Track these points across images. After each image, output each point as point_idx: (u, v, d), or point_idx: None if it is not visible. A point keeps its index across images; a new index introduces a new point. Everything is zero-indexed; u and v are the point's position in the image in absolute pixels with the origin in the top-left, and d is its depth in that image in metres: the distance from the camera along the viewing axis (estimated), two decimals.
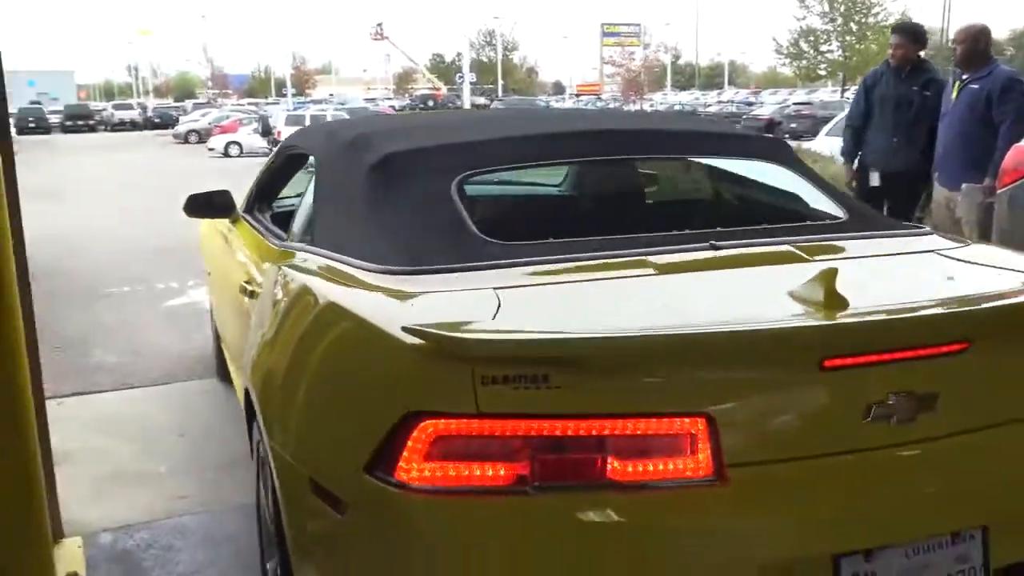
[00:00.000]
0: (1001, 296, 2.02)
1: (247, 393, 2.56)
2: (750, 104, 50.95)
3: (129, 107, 68.07)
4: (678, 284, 2.20)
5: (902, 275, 2.36)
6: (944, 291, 2.26)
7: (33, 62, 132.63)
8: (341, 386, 1.96)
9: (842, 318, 1.79)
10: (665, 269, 2.21)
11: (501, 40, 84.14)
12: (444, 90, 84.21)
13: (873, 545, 1.79)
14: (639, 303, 2.06)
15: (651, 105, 54.49)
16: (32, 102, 76.83)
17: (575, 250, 2.29)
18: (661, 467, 1.69)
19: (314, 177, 2.93)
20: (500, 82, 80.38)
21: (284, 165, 3.58)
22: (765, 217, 2.63)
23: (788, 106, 39.26)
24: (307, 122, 33.87)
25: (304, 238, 2.78)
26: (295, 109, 47.84)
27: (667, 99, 62.31)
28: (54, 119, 62.20)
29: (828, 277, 1.83)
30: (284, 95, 67.75)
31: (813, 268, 1.93)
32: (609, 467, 1.67)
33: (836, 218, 2.73)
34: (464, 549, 1.70)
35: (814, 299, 1.83)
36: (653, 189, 3.53)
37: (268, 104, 65.28)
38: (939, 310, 1.98)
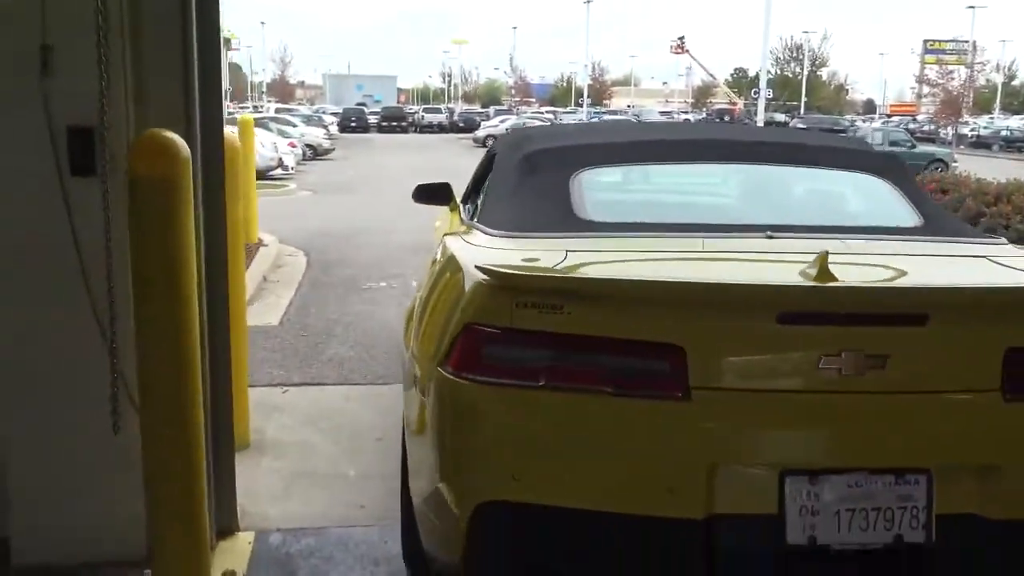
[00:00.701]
0: (976, 287, 2.43)
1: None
2: None
3: (438, 111, 72.58)
4: (708, 258, 2.74)
5: (919, 269, 2.77)
6: (940, 281, 2.64)
7: (363, 67, 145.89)
8: (440, 308, 2.67)
9: (802, 284, 2.22)
10: (708, 248, 2.78)
11: (809, 54, 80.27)
12: (740, 105, 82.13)
13: (816, 468, 2.18)
14: (663, 268, 2.74)
15: (972, 129, 49.57)
16: (358, 103, 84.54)
17: (646, 230, 2.92)
18: (641, 381, 2.21)
19: (492, 171, 3.60)
20: (804, 99, 76.95)
21: (488, 161, 3.99)
22: (838, 218, 3.25)
23: None
24: None
25: (477, 217, 3.38)
26: (591, 119, 48.80)
27: (993, 123, 56.53)
28: (372, 119, 67.85)
29: (823, 258, 2.21)
30: (582, 104, 69.24)
31: (841, 254, 2.38)
32: (600, 375, 2.20)
33: (911, 226, 3.07)
34: (484, 421, 2.30)
35: (807, 273, 2.24)
36: (744, 189, 3.83)
37: (565, 113, 67.15)
38: (901, 288, 2.46)
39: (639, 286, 2.31)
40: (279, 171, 25.71)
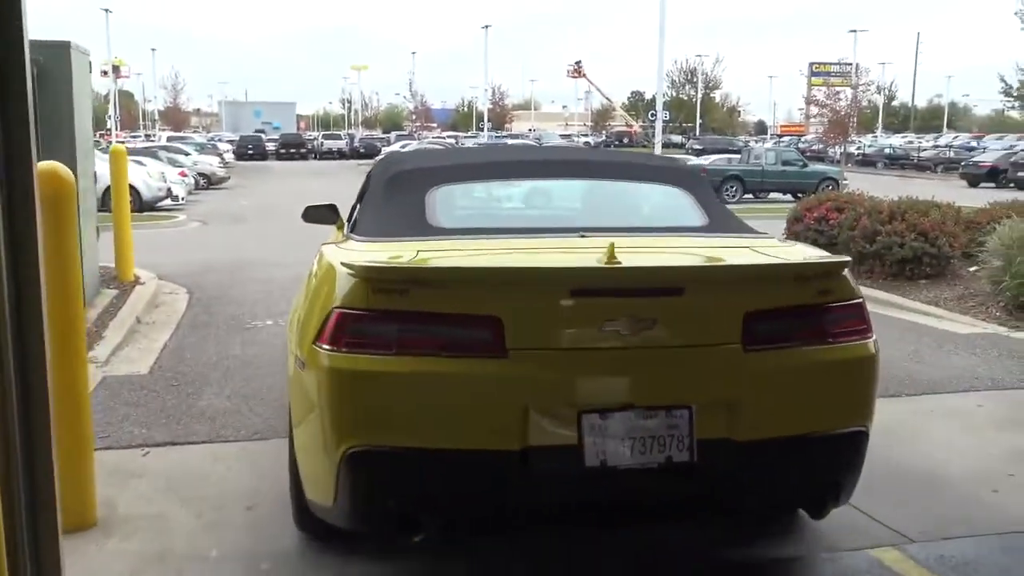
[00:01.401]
0: (716, 266, 3.28)
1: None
2: (971, 149, 47.00)
3: (338, 137, 71.53)
4: (526, 251, 3.36)
5: (688, 253, 3.48)
6: (692, 262, 3.37)
7: (261, 94, 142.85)
8: (314, 300, 3.18)
9: (589, 266, 2.96)
10: (531, 245, 3.43)
11: (702, 77, 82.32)
12: (638, 127, 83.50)
13: (605, 407, 2.85)
14: (487, 258, 3.26)
15: (857, 148, 51.38)
16: (256, 130, 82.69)
17: (484, 233, 3.60)
18: (468, 345, 2.84)
19: (366, 190, 4.20)
20: (699, 121, 78.73)
21: (366, 182, 4.41)
22: (638, 220, 4.05)
23: (1016, 152, 35.69)
24: None
25: (351, 229, 4.00)
26: (492, 142, 48.69)
27: (877, 141, 58.76)
28: (270, 146, 66.36)
29: (611, 247, 2.89)
30: (483, 129, 69.26)
31: (623, 244, 3.01)
32: (438, 341, 2.83)
33: (697, 225, 3.80)
34: (349, 383, 2.84)
35: (599, 259, 2.91)
36: (567, 200, 4.70)
37: (467, 137, 67.06)
38: (661, 268, 3.16)
39: (463, 272, 3.04)
40: (168, 201, 24.67)
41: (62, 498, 3.45)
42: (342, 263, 2.98)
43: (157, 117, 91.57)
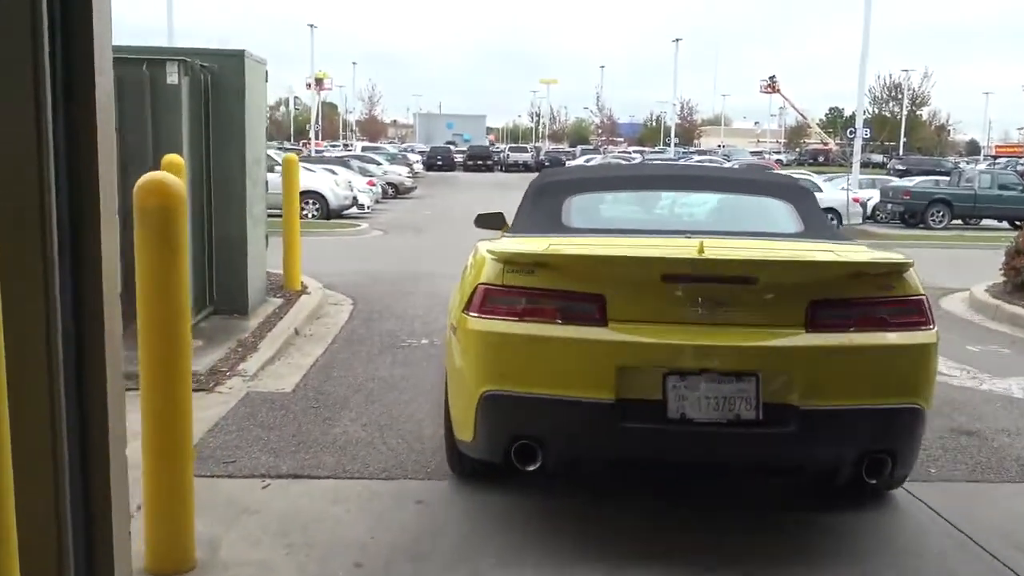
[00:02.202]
0: (779, 260, 3.92)
1: None
2: None
3: (523, 150, 72.28)
4: (635, 246, 4.06)
5: (769, 252, 4.08)
6: (768, 257, 3.98)
7: (454, 107, 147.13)
8: (466, 279, 4.10)
9: (675, 254, 3.75)
10: (636, 243, 4.14)
11: (908, 93, 77.38)
12: (834, 145, 79.51)
13: (686, 370, 3.53)
14: (598, 249, 3.99)
15: None
16: (447, 142, 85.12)
17: (606, 233, 4.43)
18: (578, 314, 3.62)
19: (524, 198, 4.99)
20: (903, 139, 74.05)
21: (525, 192, 5.13)
22: (735, 226, 4.71)
23: None
24: None
25: (509, 228, 4.93)
26: (679, 159, 47.58)
27: None
28: (459, 158, 67.92)
29: (701, 244, 3.65)
30: (669, 144, 68.03)
31: (721, 247, 3.88)
32: (554, 311, 3.64)
33: (792, 232, 4.56)
34: (486, 341, 3.71)
35: (688, 252, 3.68)
36: (678, 208, 5.23)
37: (653, 152, 66.04)
38: (737, 260, 3.83)
39: (574, 258, 3.84)
40: (354, 210, 25.37)
41: (153, 539, 3.09)
42: (488, 251, 3.93)
43: (354, 128, 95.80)
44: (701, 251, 3.61)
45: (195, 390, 6.02)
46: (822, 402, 3.56)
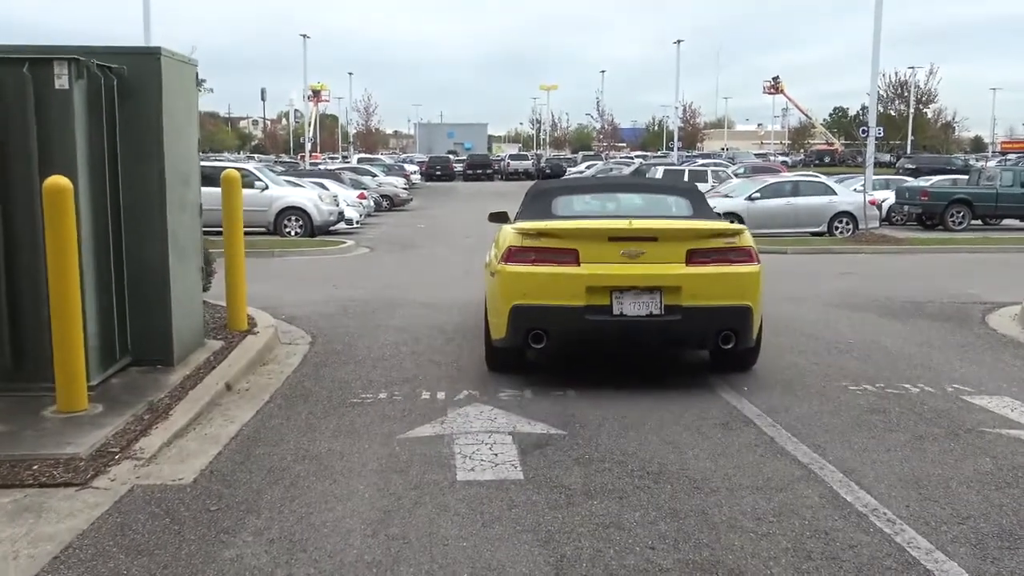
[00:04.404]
0: (670, 230, 6.84)
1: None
2: None
3: (524, 158, 70.99)
4: (597, 225, 6.93)
5: (666, 225, 7.07)
6: (662, 225, 7.05)
7: (455, 116, 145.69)
8: (497, 244, 7.28)
9: (615, 227, 6.79)
10: (607, 226, 6.86)
11: (915, 91, 75.75)
12: (840, 145, 77.97)
13: (622, 287, 6.50)
14: (577, 224, 6.92)
15: None
16: (448, 151, 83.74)
17: (578, 218, 7.35)
18: (564, 260, 6.59)
19: (523, 199, 7.96)
20: (910, 138, 72.46)
21: (524, 196, 8.16)
22: (655, 212, 7.75)
23: None
24: (685, 179, 31.92)
25: (514, 219, 7.67)
26: (682, 163, 46.12)
27: None
28: (458, 167, 66.55)
29: (631, 221, 6.79)
30: (672, 148, 66.60)
31: (641, 223, 6.83)
32: (551, 259, 6.63)
33: (686, 215, 7.52)
34: (512, 276, 6.65)
35: (622, 225, 6.77)
36: (624, 203, 8.39)
37: (656, 157, 64.57)
38: (648, 227, 6.74)
39: (561, 229, 6.70)
40: (342, 225, 24.00)
41: None
42: (511, 228, 7.04)
43: (351, 139, 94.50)
44: (630, 224, 6.70)
45: (64, 484, 4.62)
46: (695, 303, 6.49)
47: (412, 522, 4.09)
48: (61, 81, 5.91)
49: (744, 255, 6.64)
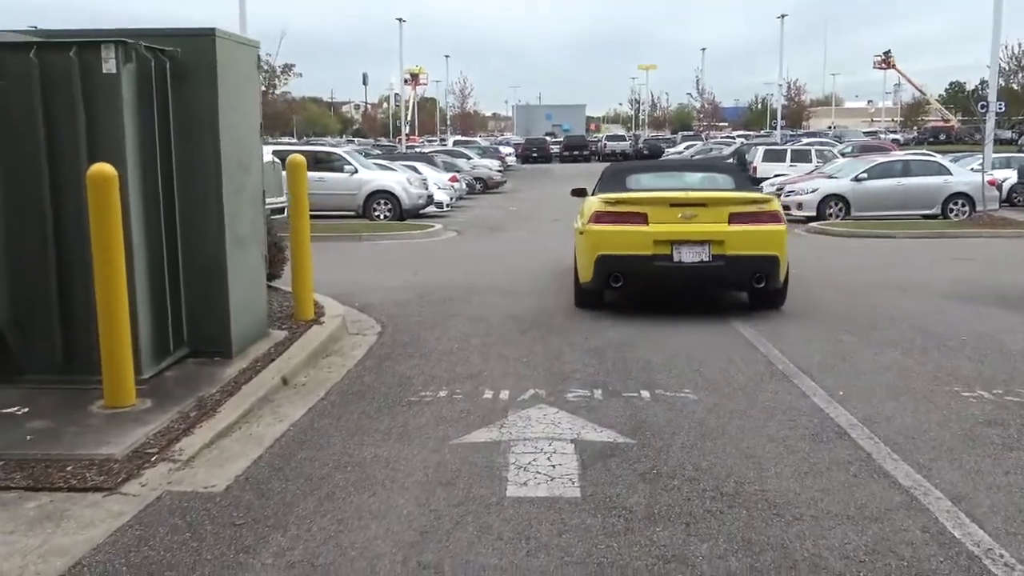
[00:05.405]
0: (716, 199, 9.20)
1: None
2: None
3: (622, 139, 69.68)
4: (663, 195, 9.25)
5: (714, 195, 9.39)
6: (709, 195, 9.38)
7: (554, 97, 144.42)
8: (583, 211, 9.73)
9: (675, 196, 9.22)
10: (668, 195, 9.22)
11: None
12: (956, 122, 74.07)
13: (680, 239, 8.73)
14: (648, 195, 9.35)
15: None
16: (547, 133, 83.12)
17: (649, 190, 9.63)
18: (637, 221, 8.90)
19: (601, 177, 10.63)
20: None
21: (601, 174, 10.69)
22: (707, 186, 10.07)
23: None
24: (787, 159, 30.55)
25: (594, 193, 10.16)
26: (785, 142, 44.25)
27: None
28: (554, 149, 65.92)
29: (688, 191, 9.46)
30: (775, 127, 64.44)
31: (694, 194, 9.36)
32: (626, 220, 8.95)
33: (731, 188, 9.88)
34: (598, 233, 8.94)
35: (683, 195, 9.33)
36: (682, 179, 10.48)
37: (758, 136, 62.57)
38: (700, 196, 9.24)
39: (634, 199, 9.10)
40: (432, 208, 23.83)
41: None
42: (596, 198, 9.32)
43: (448, 122, 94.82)
44: (686, 194, 9.09)
45: (93, 489, 4.39)
46: (735, 252, 8.62)
47: (449, 547, 3.67)
48: (108, 65, 5.69)
49: (773, 218, 8.88)
